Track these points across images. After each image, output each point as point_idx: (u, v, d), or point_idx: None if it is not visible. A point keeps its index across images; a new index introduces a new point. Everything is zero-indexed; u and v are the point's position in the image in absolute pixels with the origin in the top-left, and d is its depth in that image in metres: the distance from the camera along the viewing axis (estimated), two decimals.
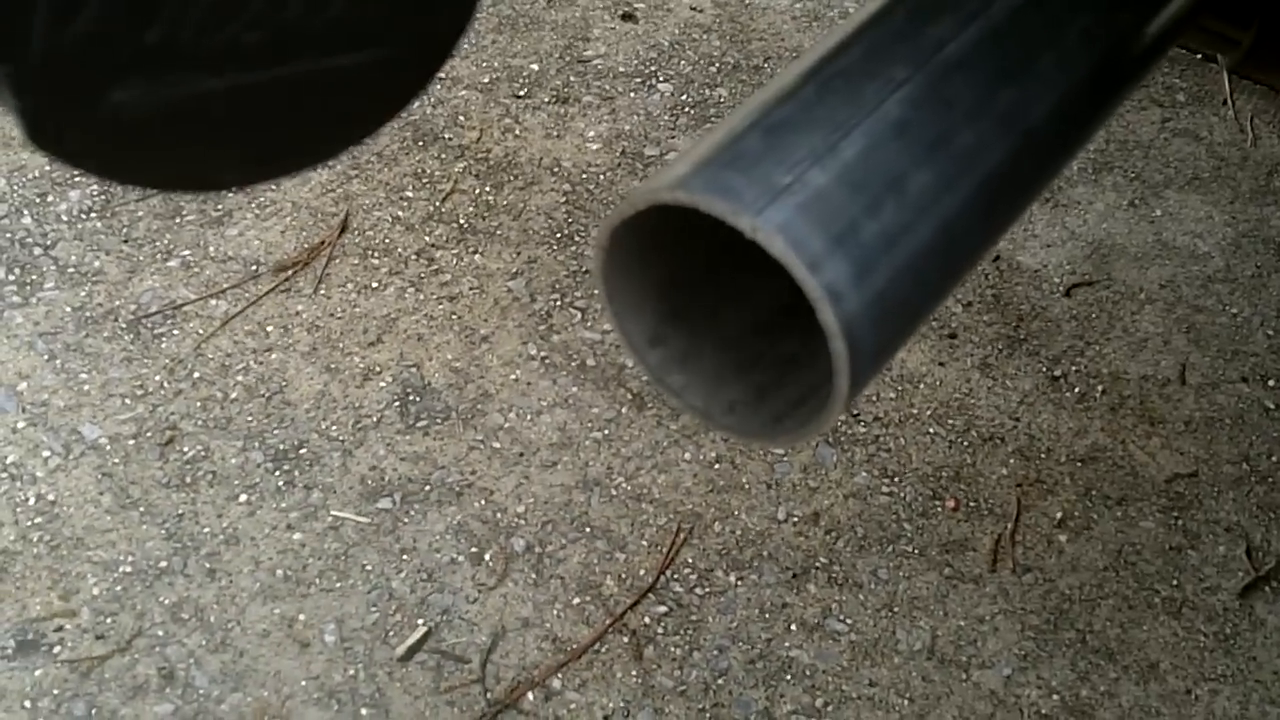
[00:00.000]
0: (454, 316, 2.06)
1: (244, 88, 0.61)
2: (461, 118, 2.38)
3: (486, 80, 2.45)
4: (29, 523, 1.78)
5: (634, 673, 1.68)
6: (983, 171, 0.68)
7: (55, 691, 1.62)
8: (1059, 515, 1.87)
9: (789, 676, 1.69)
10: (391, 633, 1.70)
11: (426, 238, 2.17)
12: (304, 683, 1.65)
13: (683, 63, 2.51)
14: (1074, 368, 2.05)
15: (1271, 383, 2.03)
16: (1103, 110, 0.78)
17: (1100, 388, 2.02)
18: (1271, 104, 2.49)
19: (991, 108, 0.69)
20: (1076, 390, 2.02)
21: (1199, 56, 2.57)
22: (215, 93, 0.60)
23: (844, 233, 0.63)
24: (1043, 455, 1.93)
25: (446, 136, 2.34)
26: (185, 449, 1.87)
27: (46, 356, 1.97)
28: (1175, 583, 1.81)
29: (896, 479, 1.90)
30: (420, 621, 1.71)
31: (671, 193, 0.63)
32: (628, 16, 2.59)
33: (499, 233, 2.18)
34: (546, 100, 2.42)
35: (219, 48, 0.59)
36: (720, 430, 0.73)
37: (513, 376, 1.99)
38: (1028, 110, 0.70)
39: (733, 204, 0.62)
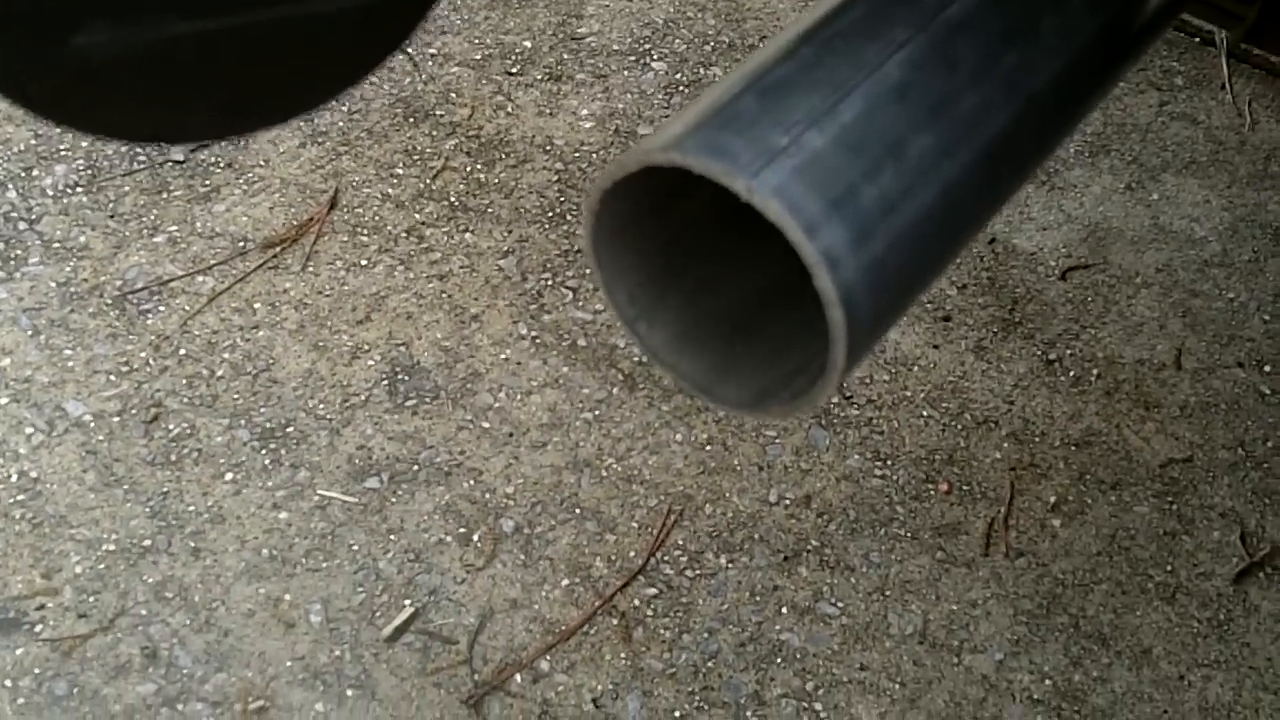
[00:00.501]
0: (444, 295, 2.03)
1: (215, 33, 0.59)
2: (453, 94, 2.35)
3: (479, 57, 2.42)
4: (11, 500, 1.75)
5: (623, 655, 1.67)
6: (985, 137, 0.66)
7: (36, 670, 1.60)
8: (1053, 499, 1.85)
9: (779, 660, 1.68)
10: (378, 613, 1.68)
11: (417, 215, 2.14)
12: (289, 663, 1.63)
13: (677, 41, 2.48)
14: (1069, 351, 2.03)
15: (1267, 368, 2.02)
16: (1106, 79, 0.76)
17: (1095, 371, 2.01)
18: (1270, 88, 2.47)
19: (994, 71, 0.67)
20: (1071, 374, 2.00)
21: (1197, 40, 2.55)
22: (185, 38, 0.58)
23: (842, 197, 0.61)
24: (1037, 439, 1.92)
25: (438, 113, 2.31)
26: (170, 426, 1.85)
27: (30, 332, 1.94)
28: (1169, 568, 1.79)
29: (889, 462, 1.88)
30: (407, 602, 1.70)
31: (665, 153, 0.61)
32: None
33: (490, 211, 2.16)
34: (539, 78, 2.39)
35: None
36: (713, 404, 0.71)
37: (503, 356, 1.96)
38: (1031, 75, 0.68)
39: (727, 165, 0.60)
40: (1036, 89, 0.68)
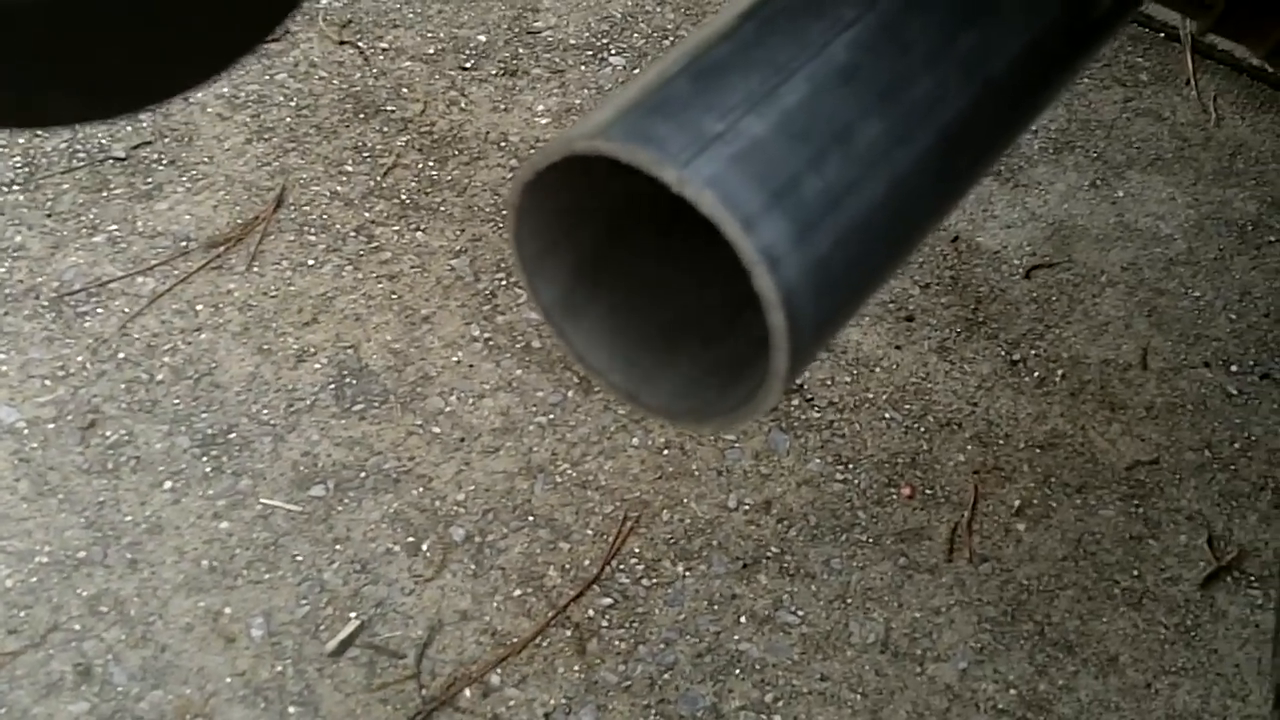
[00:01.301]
0: (394, 296, 1.97)
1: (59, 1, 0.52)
2: (405, 89, 2.29)
3: (431, 51, 2.36)
4: None
5: (577, 668, 1.61)
6: (939, 124, 0.61)
7: None
8: (1017, 503, 1.81)
9: (738, 671, 1.62)
10: (322, 626, 1.62)
11: (366, 214, 2.08)
12: (229, 679, 1.57)
13: (635, 35, 2.43)
14: (1033, 351, 1.99)
15: (1234, 368, 1.99)
16: (1069, 63, 0.71)
17: (1060, 372, 1.97)
18: (1235, 84, 2.44)
19: (950, 53, 0.61)
20: (1036, 375, 1.96)
21: (1162, 35, 2.52)
22: (31, 5, 0.52)
23: (783, 188, 0.55)
24: (1001, 441, 1.88)
25: (389, 109, 2.25)
26: (108, 433, 1.78)
27: None
28: (1136, 573, 1.75)
29: (851, 466, 1.83)
30: (353, 615, 1.63)
31: (589, 141, 0.56)
32: None
33: (442, 209, 2.10)
34: (494, 72, 2.33)
35: None
36: (648, 413, 0.66)
37: (454, 359, 1.91)
38: (990, 57, 0.63)
39: (656, 154, 0.54)
40: (995, 72, 0.63)
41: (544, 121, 2.26)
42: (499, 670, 1.60)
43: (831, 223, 0.57)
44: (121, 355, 1.87)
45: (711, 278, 0.68)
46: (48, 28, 0.53)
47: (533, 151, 2.14)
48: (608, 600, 1.67)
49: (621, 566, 1.71)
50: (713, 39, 0.60)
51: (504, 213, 2.09)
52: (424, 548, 1.70)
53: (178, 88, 0.64)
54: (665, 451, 1.82)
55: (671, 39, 2.43)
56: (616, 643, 1.64)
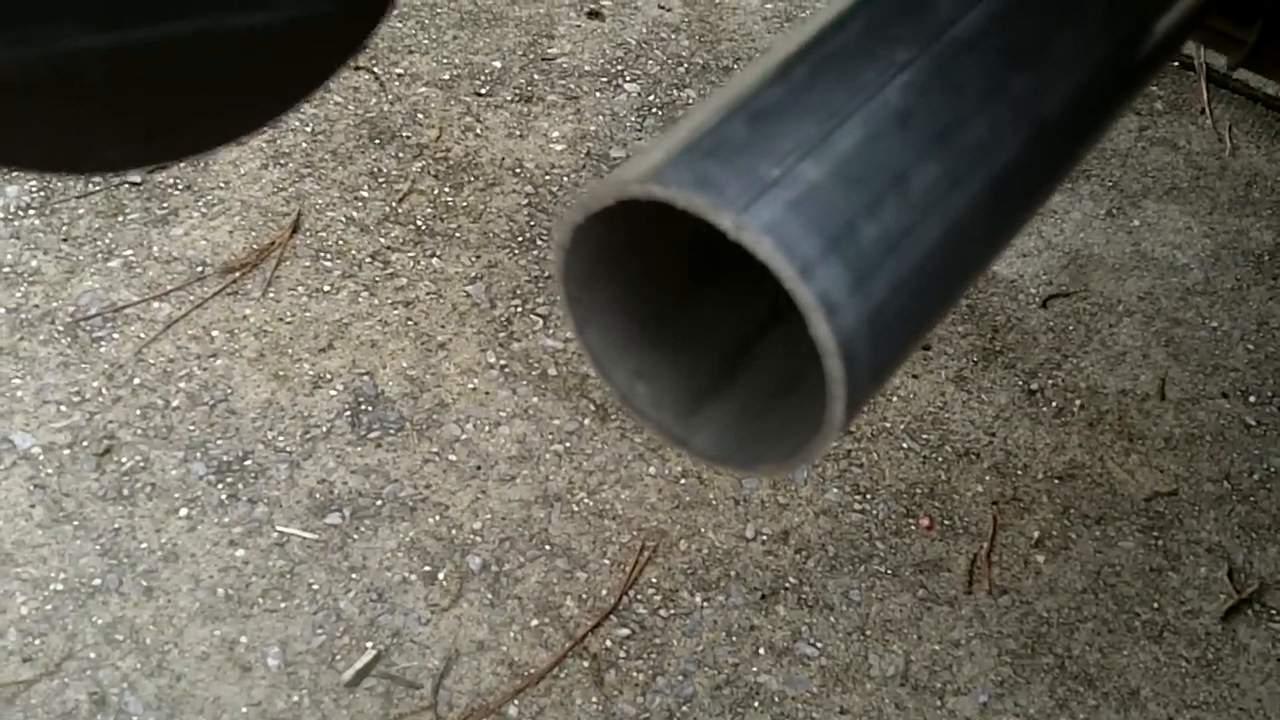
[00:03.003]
0: (409, 322, 1.97)
1: (129, 47, 0.52)
2: (420, 115, 2.29)
3: (447, 77, 2.36)
4: None
5: (594, 699, 1.60)
6: (993, 167, 0.60)
7: None
8: (1036, 535, 1.80)
9: (757, 703, 1.61)
10: (339, 656, 1.61)
11: (382, 239, 2.08)
12: (245, 709, 1.56)
13: (650, 62, 2.43)
14: (1051, 381, 1.98)
15: (1252, 398, 1.98)
16: (1117, 103, 0.71)
17: (1078, 402, 1.96)
18: (1249, 113, 2.44)
19: (1003, 96, 0.61)
20: (1054, 404, 1.95)
21: (1176, 65, 2.52)
22: (94, 52, 0.51)
23: (840, 235, 0.55)
24: (1019, 472, 1.87)
25: (404, 135, 2.25)
26: (123, 459, 1.77)
27: None
28: (1156, 605, 1.74)
29: (869, 496, 1.82)
30: (369, 644, 1.62)
31: (643, 185, 0.55)
32: (594, 14, 2.51)
33: (458, 235, 2.09)
34: (509, 99, 2.33)
35: None
36: (696, 457, 0.65)
37: (470, 386, 1.90)
38: (1042, 99, 0.63)
39: (713, 199, 0.54)
40: (1047, 114, 0.63)
41: (559, 148, 2.26)
42: (516, 702, 1.59)
43: (888, 269, 0.56)
44: (137, 381, 1.86)
45: (761, 322, 0.67)
46: (112, 75, 0.52)
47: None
48: (625, 631, 1.66)
49: (639, 597, 1.70)
50: (764, 81, 0.60)
51: (520, 239, 2.09)
52: (440, 577, 1.69)
53: (230, 135, 0.63)
54: (682, 481, 1.81)
55: (686, 66, 2.43)
56: (634, 674, 1.63)
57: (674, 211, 0.57)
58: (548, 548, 1.73)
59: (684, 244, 0.67)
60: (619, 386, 0.65)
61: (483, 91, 2.34)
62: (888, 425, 1.91)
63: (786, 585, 1.72)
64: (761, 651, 1.66)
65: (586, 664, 1.63)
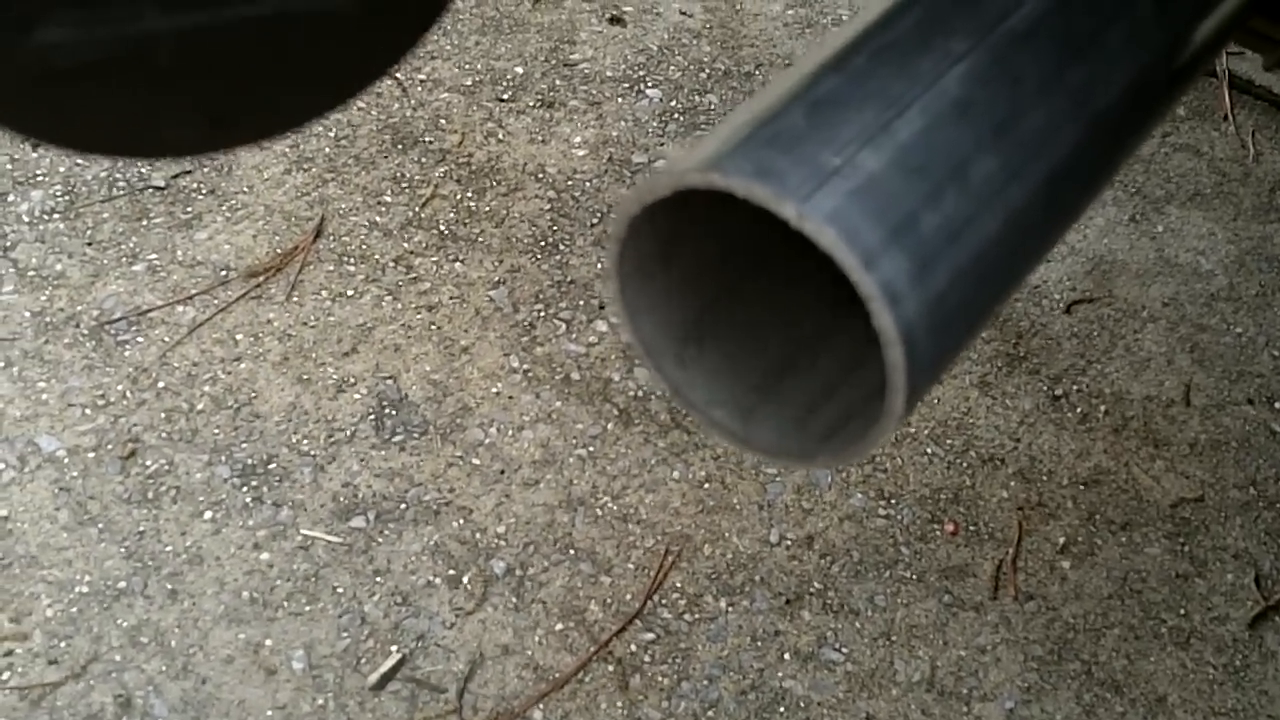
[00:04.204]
0: (433, 326, 1.97)
1: (196, 30, 0.52)
2: (443, 121, 2.29)
3: (469, 83, 2.36)
4: None
5: (619, 704, 1.59)
6: (1051, 158, 0.60)
7: None
8: (1062, 540, 1.79)
9: (782, 709, 1.61)
10: (363, 660, 1.61)
11: (405, 244, 2.08)
12: (269, 712, 1.55)
13: (672, 68, 2.43)
14: (1075, 387, 1.98)
15: (1278, 405, 1.97)
16: (1170, 97, 0.70)
17: (1103, 408, 1.95)
18: (1272, 119, 2.43)
19: (1060, 87, 0.61)
20: (1078, 410, 1.94)
21: None
22: (162, 35, 0.51)
23: (902, 224, 0.54)
24: (1044, 478, 1.86)
25: (427, 140, 2.25)
26: (148, 462, 1.77)
27: (3, 364, 1.86)
28: (1182, 612, 1.73)
29: (893, 501, 1.82)
30: (394, 648, 1.62)
31: (704, 175, 0.55)
32: (616, 20, 2.51)
33: (480, 240, 2.10)
34: (531, 104, 2.33)
35: None
36: (753, 452, 0.64)
37: (494, 390, 1.90)
38: (1098, 91, 0.62)
39: (775, 188, 0.53)
40: (1104, 106, 0.63)
41: (581, 153, 2.26)
42: (541, 706, 1.58)
43: (949, 259, 0.56)
44: (161, 384, 1.86)
45: (817, 314, 0.67)
46: (181, 58, 0.52)
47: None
48: (650, 635, 1.66)
49: (663, 601, 1.69)
50: (821, 71, 0.59)
51: (542, 244, 2.09)
52: (465, 580, 1.69)
53: (294, 122, 0.63)
54: (706, 485, 1.81)
55: (708, 71, 2.43)
56: (659, 679, 1.62)
57: (730, 203, 0.57)
58: (572, 552, 1.73)
59: (737, 237, 0.66)
60: (671, 381, 0.65)
61: (505, 97, 2.34)
62: (912, 431, 1.90)
63: (811, 590, 1.72)
64: (786, 657, 1.65)
65: (611, 668, 1.62)
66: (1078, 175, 0.62)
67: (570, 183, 2.20)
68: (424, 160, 2.21)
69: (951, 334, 0.56)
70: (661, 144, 2.28)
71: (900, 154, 0.56)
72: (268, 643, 1.61)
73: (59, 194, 2.10)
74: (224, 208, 2.10)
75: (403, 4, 0.61)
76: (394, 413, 1.86)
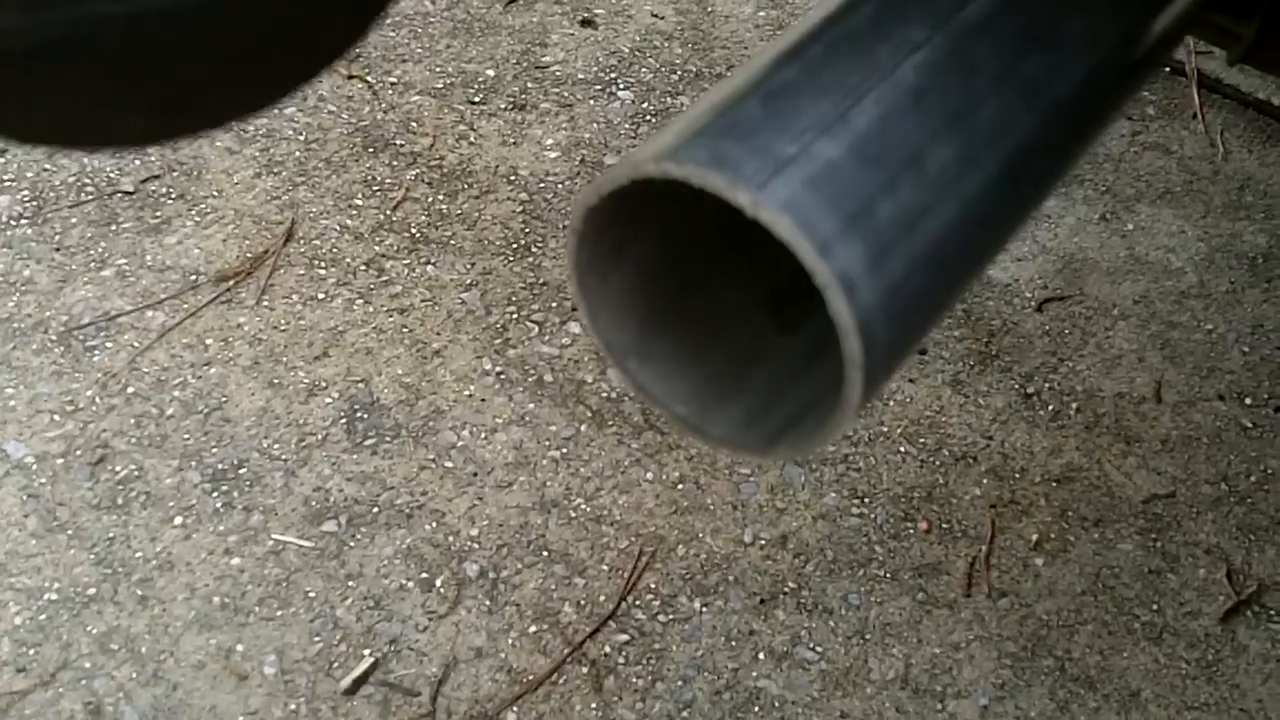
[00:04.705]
0: (405, 329, 1.96)
1: (147, 14, 0.51)
2: (414, 124, 2.28)
3: (440, 85, 2.36)
4: None
5: (594, 705, 1.59)
6: (1007, 147, 0.60)
7: None
8: (1035, 537, 1.80)
9: (757, 708, 1.60)
10: (336, 664, 1.60)
11: (376, 247, 2.07)
12: (241, 718, 1.54)
13: (644, 70, 2.43)
14: (1047, 385, 1.98)
15: (1248, 401, 1.98)
16: (1127, 89, 0.71)
17: (1074, 405, 1.96)
18: (1241, 118, 2.45)
19: (1016, 77, 0.61)
20: (1050, 408, 1.95)
21: (1167, 70, 2.53)
22: (111, 19, 0.50)
23: (858, 212, 0.54)
24: (1017, 475, 1.87)
25: (398, 143, 2.24)
26: (117, 468, 1.76)
27: None
28: (1155, 607, 1.74)
29: (867, 500, 1.82)
30: (367, 652, 1.61)
31: (659, 164, 0.55)
32: (587, 23, 2.51)
33: (452, 243, 2.09)
34: (503, 107, 2.33)
35: None
36: (713, 444, 0.64)
37: (466, 392, 1.89)
38: (1055, 81, 0.62)
39: (730, 177, 0.53)
40: (1061, 96, 0.63)
41: (553, 155, 2.25)
42: (515, 708, 1.58)
43: (905, 247, 0.56)
44: (131, 390, 1.85)
45: (773, 306, 0.67)
46: (131, 44, 0.51)
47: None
48: (624, 636, 1.65)
49: (637, 602, 1.69)
50: (778, 62, 0.59)
51: (515, 246, 2.09)
52: (438, 584, 1.68)
53: (249, 108, 0.62)
54: (680, 486, 1.81)
55: (679, 73, 2.43)
56: (634, 680, 1.62)
57: (689, 193, 0.56)
58: (545, 554, 1.72)
59: (697, 231, 0.66)
60: (632, 375, 0.65)
61: (476, 100, 2.34)
62: (885, 430, 1.90)
63: (785, 590, 1.72)
64: (761, 656, 1.65)
65: (585, 670, 1.62)
66: (1035, 165, 0.62)
67: (542, 185, 2.20)
68: (395, 163, 2.21)
69: (909, 323, 0.56)
70: (634, 145, 2.28)
71: (856, 143, 0.56)
72: (239, 648, 1.60)
73: (26, 199, 2.09)
74: (193, 212, 2.09)
75: None
76: (366, 416, 1.85)
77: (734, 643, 1.66)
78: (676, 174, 0.54)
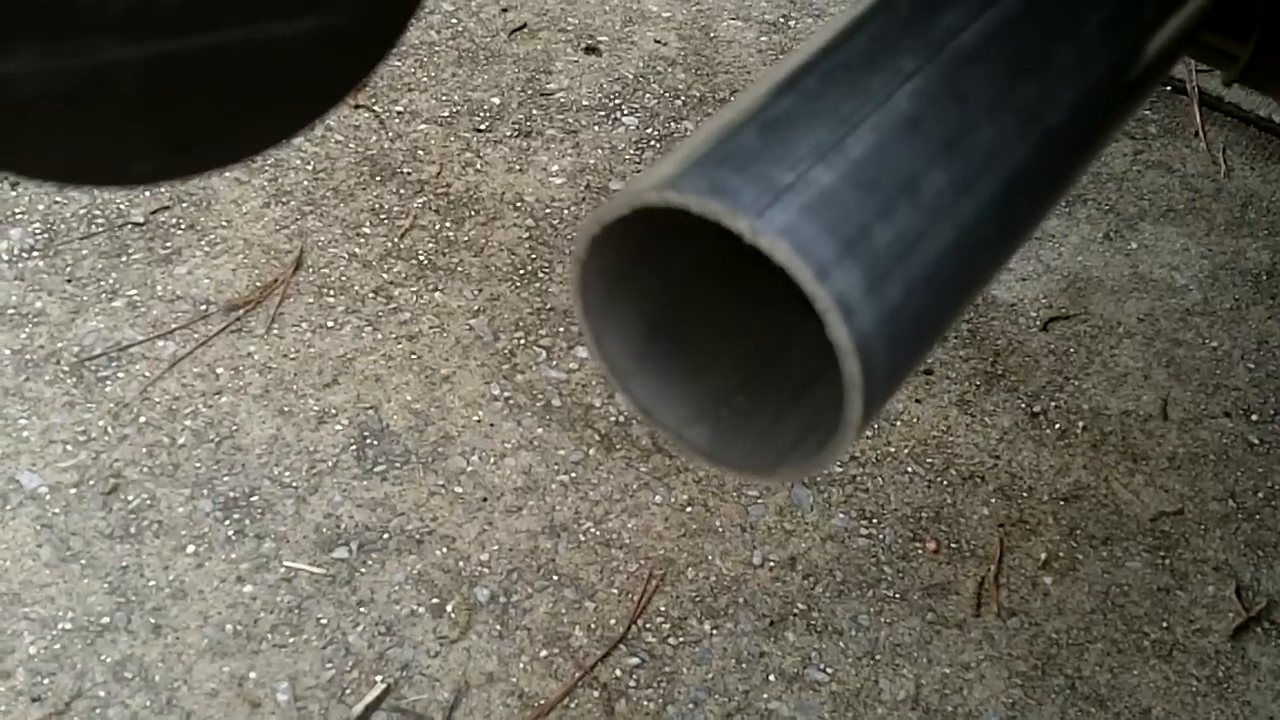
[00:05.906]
0: (413, 356, 1.98)
1: (160, 58, 0.53)
2: (420, 152, 2.30)
3: (446, 114, 2.38)
4: None
5: None
6: (1002, 173, 0.61)
7: None
8: (1043, 556, 1.80)
9: None
10: (348, 690, 1.61)
11: (384, 275, 2.09)
12: None
13: (647, 96, 2.45)
14: (1053, 404, 1.99)
15: (1255, 417, 1.98)
16: (1119, 113, 0.72)
17: (1081, 424, 1.96)
18: (1243, 135, 2.46)
19: (1009, 103, 0.62)
20: (1057, 427, 1.96)
21: (1169, 88, 2.54)
22: (126, 63, 0.52)
23: (854, 238, 0.56)
24: (1024, 494, 1.87)
25: (405, 171, 2.26)
26: (130, 498, 1.77)
27: None
28: (1165, 625, 1.74)
29: (875, 520, 1.82)
30: (379, 678, 1.62)
31: (659, 193, 0.56)
32: (591, 49, 2.53)
33: (460, 269, 2.11)
34: (508, 134, 2.35)
35: (131, 9, 0.51)
36: (717, 467, 0.65)
37: (475, 418, 1.90)
38: (1047, 107, 0.64)
39: (729, 204, 0.55)
40: (1053, 122, 0.64)
41: (559, 181, 2.27)
42: None
43: (902, 272, 0.57)
44: (143, 419, 1.86)
45: (774, 330, 0.68)
46: (143, 87, 0.53)
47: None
48: (635, 660, 1.66)
49: (648, 625, 1.69)
50: (775, 92, 0.61)
51: (521, 272, 2.10)
52: (449, 609, 1.69)
53: (257, 148, 0.64)
54: (689, 509, 1.81)
55: (683, 99, 2.45)
56: (645, 703, 1.62)
57: (690, 222, 0.58)
58: (555, 578, 1.73)
59: (698, 258, 0.68)
60: (638, 400, 0.66)
61: (482, 127, 2.36)
62: (892, 450, 1.91)
63: (795, 611, 1.72)
64: (771, 678, 1.66)
65: (597, 694, 1.62)
66: (1029, 189, 0.63)
67: (548, 211, 2.21)
68: (402, 191, 2.23)
69: (907, 345, 0.58)
70: (638, 171, 2.30)
71: (852, 170, 0.57)
72: (252, 675, 1.61)
73: (38, 231, 2.11)
74: (203, 242, 2.11)
75: (355, 34, 0.62)
76: (376, 443, 1.86)
77: (744, 665, 1.66)
78: (677, 202, 0.56)
